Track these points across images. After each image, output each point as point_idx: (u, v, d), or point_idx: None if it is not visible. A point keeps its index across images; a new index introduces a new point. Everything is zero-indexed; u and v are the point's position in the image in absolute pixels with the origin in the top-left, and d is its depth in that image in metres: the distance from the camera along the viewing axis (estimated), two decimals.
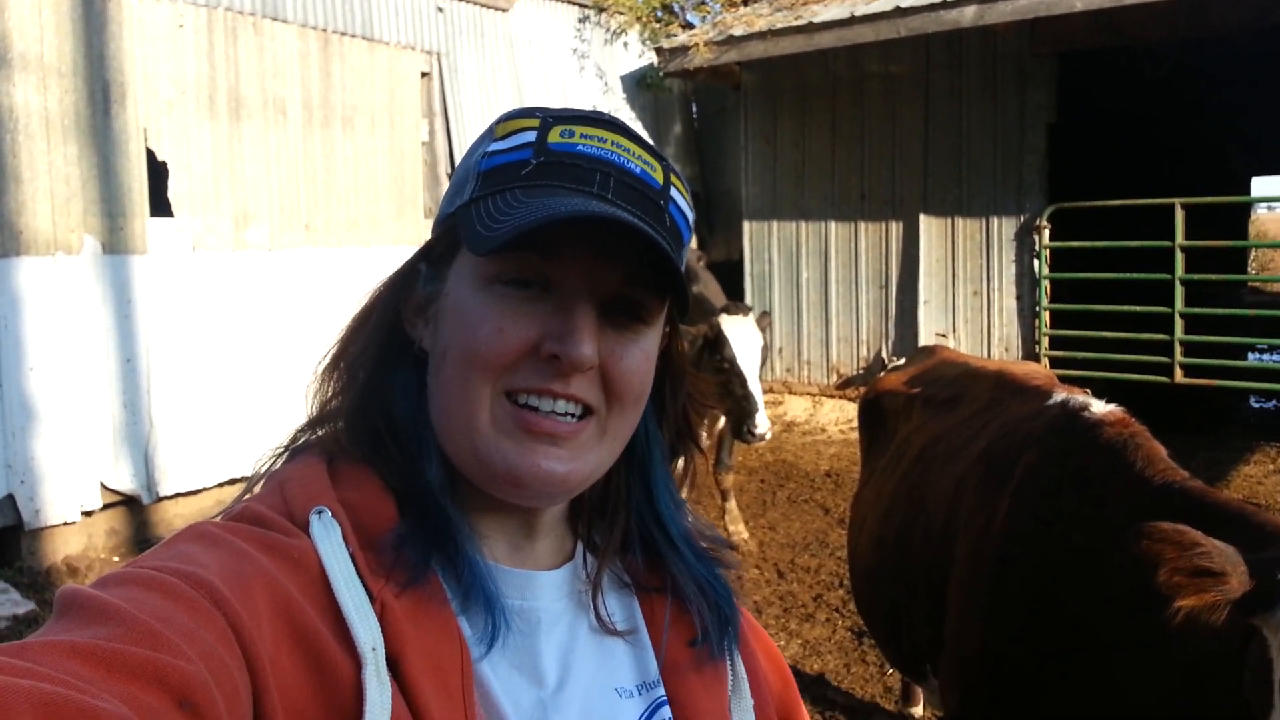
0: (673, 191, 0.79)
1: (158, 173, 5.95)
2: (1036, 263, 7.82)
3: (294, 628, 0.64)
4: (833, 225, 8.94)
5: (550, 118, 0.77)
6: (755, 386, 5.20)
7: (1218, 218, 7.33)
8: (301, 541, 0.69)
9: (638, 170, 0.77)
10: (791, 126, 9.15)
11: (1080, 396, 2.29)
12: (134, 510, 5.91)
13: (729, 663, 0.87)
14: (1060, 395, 2.33)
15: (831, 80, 8.88)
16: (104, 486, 5.70)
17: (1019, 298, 8.00)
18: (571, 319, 0.73)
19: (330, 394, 0.81)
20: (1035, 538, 2.01)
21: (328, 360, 0.82)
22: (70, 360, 5.53)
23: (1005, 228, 8.04)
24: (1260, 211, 24.05)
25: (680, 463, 0.97)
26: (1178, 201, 7.08)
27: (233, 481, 6.14)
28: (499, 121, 0.80)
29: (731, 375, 5.14)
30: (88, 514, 5.66)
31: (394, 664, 0.66)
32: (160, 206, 5.97)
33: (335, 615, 0.66)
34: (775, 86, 9.21)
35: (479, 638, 0.72)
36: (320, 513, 0.71)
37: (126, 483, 5.79)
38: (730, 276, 8.69)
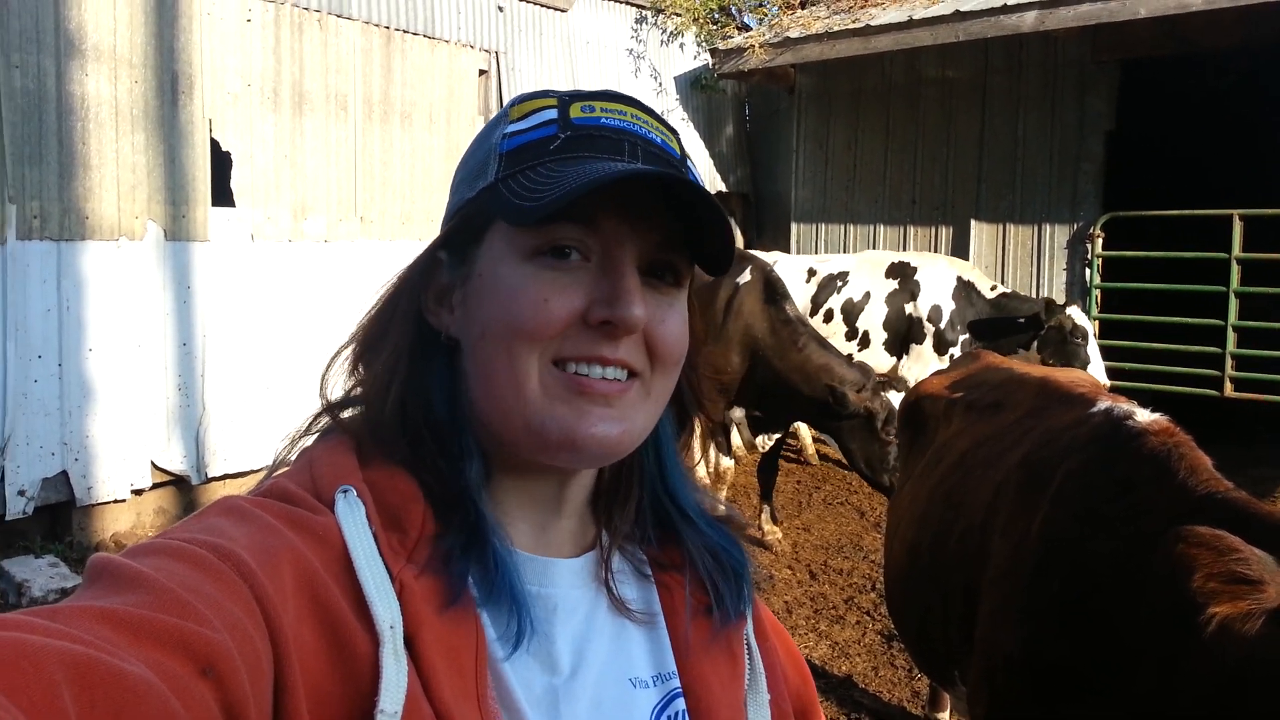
0: (689, 162, 0.81)
1: (221, 163, 6.10)
2: (1089, 271, 7.70)
3: (316, 603, 0.65)
4: (881, 229, 8.88)
5: (567, 96, 0.78)
6: None
7: (1277, 231, 7.13)
8: (326, 519, 0.70)
9: (659, 140, 0.79)
10: (844, 130, 9.10)
11: (1125, 405, 2.26)
12: (183, 490, 6.08)
13: (746, 653, 0.87)
14: (1104, 403, 2.30)
15: (887, 84, 8.82)
16: (155, 466, 5.86)
17: None
18: (621, 282, 0.74)
19: (353, 385, 0.81)
20: (1074, 544, 1.99)
21: (348, 354, 0.82)
22: (129, 343, 5.70)
23: (1058, 235, 7.92)
24: None
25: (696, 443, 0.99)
26: (1236, 213, 6.92)
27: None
28: (512, 104, 0.80)
29: (890, 447, 4.99)
30: (138, 492, 5.83)
31: (410, 643, 0.67)
32: (222, 196, 6.12)
33: (356, 593, 0.67)
34: (830, 90, 9.17)
35: (504, 636, 0.73)
36: (345, 492, 0.72)
37: (177, 463, 5.95)
38: None
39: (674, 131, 0.81)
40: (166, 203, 5.84)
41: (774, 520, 6.12)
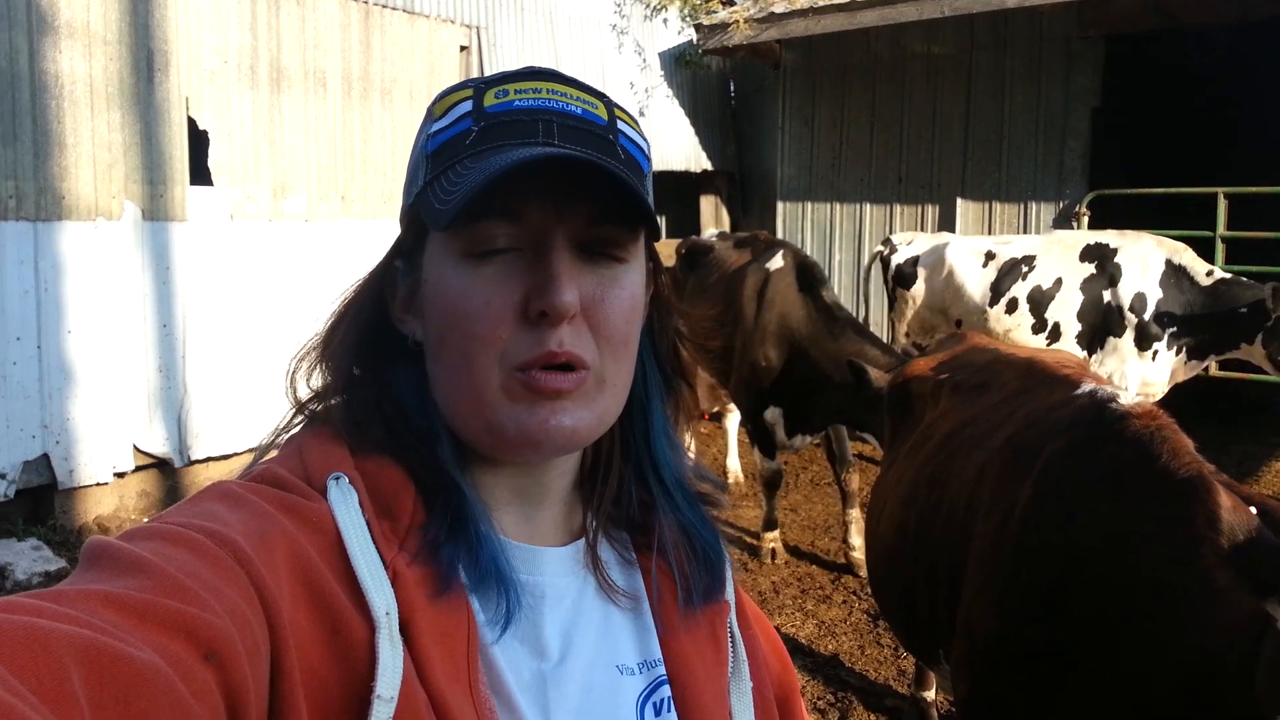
0: (620, 125, 0.78)
1: (198, 141, 6.02)
2: None
3: (312, 589, 0.65)
4: (868, 208, 8.87)
5: (482, 84, 0.77)
6: None
7: (1262, 209, 7.15)
8: (320, 505, 0.70)
9: (579, 111, 0.76)
10: (830, 107, 9.06)
11: (1109, 387, 2.26)
12: (165, 473, 6.04)
13: (730, 641, 0.88)
14: (1089, 385, 2.31)
15: (873, 60, 8.78)
16: (137, 449, 5.82)
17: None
18: (547, 269, 0.73)
19: (324, 385, 0.82)
20: (1056, 526, 2.00)
21: (313, 356, 0.82)
22: (108, 324, 5.64)
23: (1044, 213, 7.93)
24: None
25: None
26: (1221, 191, 6.94)
27: None
28: (435, 101, 0.80)
29: None
30: (120, 475, 5.79)
31: (404, 629, 0.67)
32: (200, 175, 6.05)
33: (350, 579, 0.67)
34: (815, 66, 9.12)
35: (492, 620, 0.73)
36: (338, 479, 0.72)
37: (159, 446, 5.91)
38: None
39: (600, 96, 0.79)
40: (144, 182, 5.76)
41: (772, 527, 5.62)
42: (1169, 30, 7.59)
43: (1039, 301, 6.10)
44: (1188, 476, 1.81)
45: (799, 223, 9.24)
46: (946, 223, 8.37)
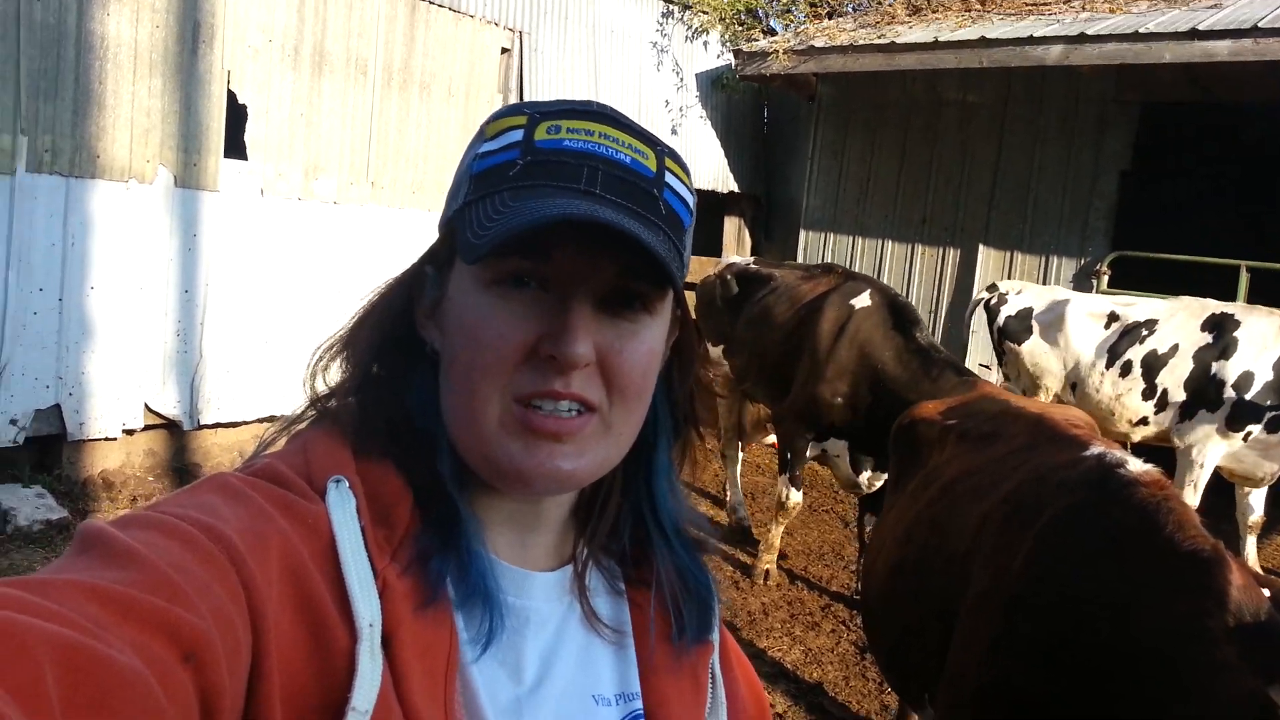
0: (668, 177, 0.78)
1: (236, 115, 6.08)
2: None
3: (300, 593, 0.65)
4: (890, 245, 8.89)
5: (538, 113, 0.76)
6: None
7: None
8: (317, 507, 0.70)
9: (627, 160, 0.75)
10: (861, 143, 9.11)
11: (1118, 452, 2.28)
12: (174, 434, 6.09)
13: (710, 681, 0.89)
14: (1098, 448, 2.33)
15: (907, 102, 8.82)
16: (147, 408, 5.87)
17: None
18: (565, 318, 0.73)
19: (341, 383, 0.82)
20: (1053, 584, 2.01)
21: (333, 352, 0.83)
22: (131, 284, 5.69)
23: (1065, 268, 7.95)
24: None
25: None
26: (1244, 264, 6.96)
27: (271, 419, 6.28)
28: (490, 120, 0.79)
29: None
30: (129, 432, 5.84)
31: (387, 642, 0.67)
32: (234, 148, 6.11)
33: (340, 585, 0.67)
34: (850, 102, 9.17)
35: (474, 638, 0.73)
36: (338, 482, 0.72)
37: (170, 407, 5.96)
38: None
39: (654, 145, 0.78)
40: (179, 149, 5.82)
41: (770, 550, 5.63)
42: (1207, 104, 7.62)
43: (1151, 367, 5.79)
44: (1193, 549, 1.83)
45: (820, 252, 9.27)
46: (967, 267, 8.40)
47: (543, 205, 0.70)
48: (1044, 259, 8.03)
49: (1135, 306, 6.09)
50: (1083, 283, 7.79)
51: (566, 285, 0.74)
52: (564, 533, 0.86)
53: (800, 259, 9.29)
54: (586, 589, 0.84)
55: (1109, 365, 5.88)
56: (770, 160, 10.58)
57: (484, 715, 0.73)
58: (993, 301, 6.61)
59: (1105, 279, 7.61)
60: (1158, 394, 5.74)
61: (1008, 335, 6.42)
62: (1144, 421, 5.73)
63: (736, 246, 10.25)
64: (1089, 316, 6.09)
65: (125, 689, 0.50)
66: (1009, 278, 8.17)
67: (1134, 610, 1.82)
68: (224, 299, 6.11)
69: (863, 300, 5.30)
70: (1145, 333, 5.86)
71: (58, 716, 0.47)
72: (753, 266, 6.39)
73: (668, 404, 0.88)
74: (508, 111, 0.78)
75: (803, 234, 9.41)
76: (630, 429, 0.79)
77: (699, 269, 7.35)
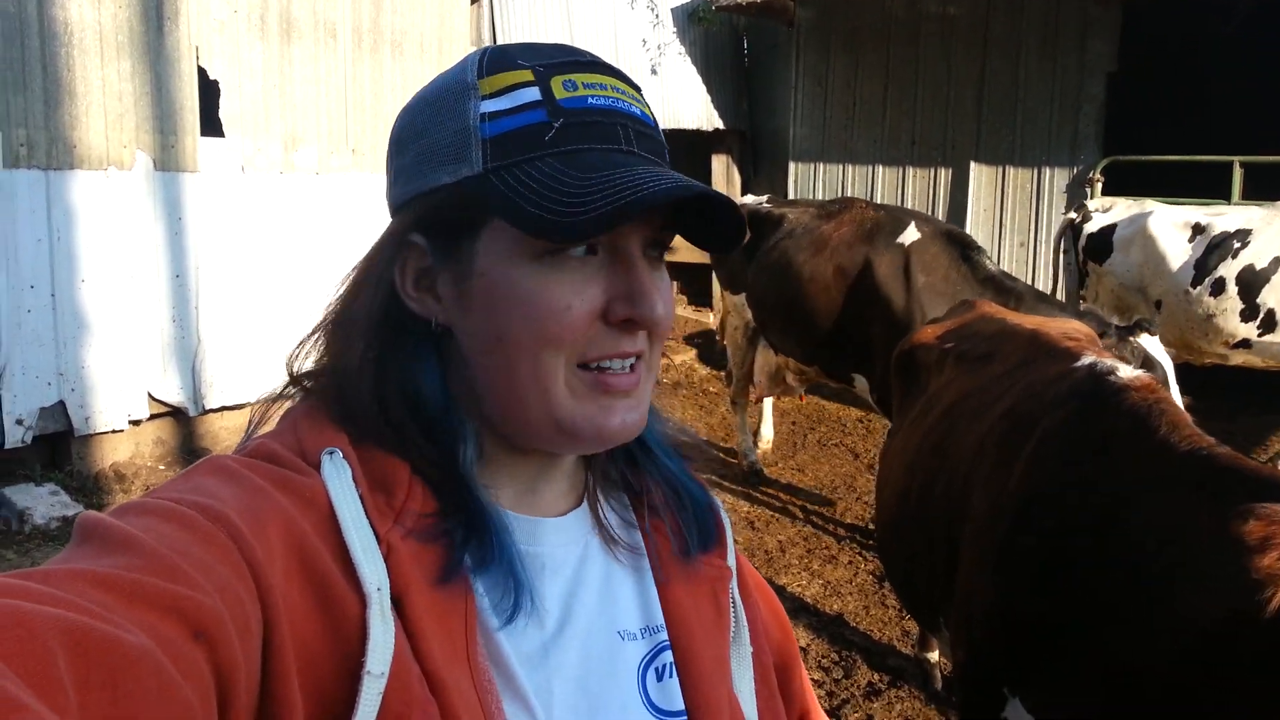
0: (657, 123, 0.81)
1: (209, 92, 6.00)
2: None
3: (305, 565, 0.65)
4: (880, 170, 8.81)
5: (542, 68, 0.74)
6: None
7: (1277, 178, 7.08)
8: (313, 480, 0.70)
9: (639, 113, 0.77)
10: (844, 66, 8.97)
11: (1109, 360, 2.28)
12: (181, 421, 6.11)
13: (732, 607, 0.89)
14: (1089, 358, 2.32)
15: (887, 21, 8.67)
16: (151, 397, 5.88)
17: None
18: (638, 281, 0.75)
19: (323, 362, 0.80)
20: (1051, 499, 2.03)
21: (320, 333, 0.81)
22: (121, 274, 5.67)
23: (1057, 179, 7.87)
24: None
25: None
26: (1236, 159, 6.88)
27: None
28: (484, 75, 0.75)
29: None
30: (135, 423, 5.86)
31: (398, 604, 0.67)
32: (211, 126, 6.03)
33: (343, 554, 0.67)
34: (829, 25, 9.01)
35: (499, 608, 0.73)
36: (332, 453, 0.72)
37: (174, 395, 5.97)
38: None
39: (639, 89, 0.80)
40: (155, 132, 5.76)
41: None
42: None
43: (1250, 284, 5.26)
44: (1188, 449, 1.83)
45: (810, 183, 9.19)
46: (960, 187, 8.33)
47: (623, 176, 0.70)
48: (1036, 171, 7.96)
49: (1225, 216, 5.59)
50: (1076, 192, 7.72)
51: (625, 246, 0.76)
52: (573, 475, 0.87)
53: (791, 192, 9.21)
54: (604, 521, 0.85)
55: (1195, 283, 5.40)
56: (753, 93, 10.43)
57: (510, 665, 0.73)
58: (1078, 220, 6.28)
59: (1099, 186, 7.55)
60: (1261, 314, 5.23)
61: (1091, 255, 6.08)
62: (1244, 344, 5.31)
63: (726, 185, 10.16)
64: (1172, 227, 5.65)
65: (137, 668, 0.51)
66: (1001, 193, 8.11)
67: (1125, 513, 1.83)
68: (216, 280, 6.09)
69: (910, 234, 4.98)
70: (1238, 244, 5.34)
71: (72, 699, 0.48)
72: (765, 206, 6.09)
73: None
74: (501, 64, 0.75)
75: (791, 166, 9.31)
76: (659, 364, 0.82)
77: None
